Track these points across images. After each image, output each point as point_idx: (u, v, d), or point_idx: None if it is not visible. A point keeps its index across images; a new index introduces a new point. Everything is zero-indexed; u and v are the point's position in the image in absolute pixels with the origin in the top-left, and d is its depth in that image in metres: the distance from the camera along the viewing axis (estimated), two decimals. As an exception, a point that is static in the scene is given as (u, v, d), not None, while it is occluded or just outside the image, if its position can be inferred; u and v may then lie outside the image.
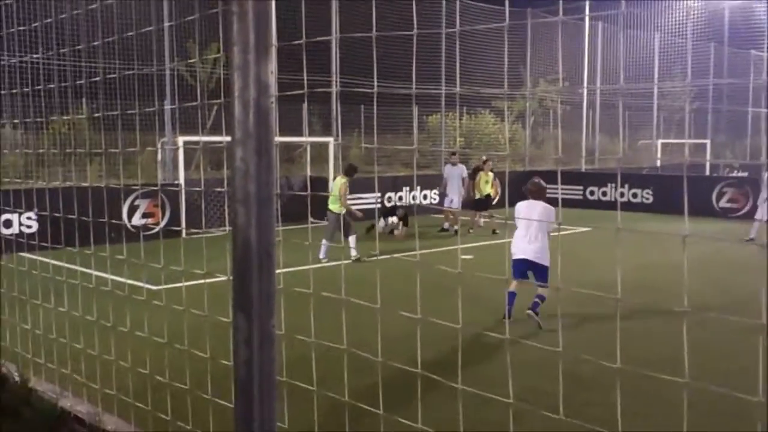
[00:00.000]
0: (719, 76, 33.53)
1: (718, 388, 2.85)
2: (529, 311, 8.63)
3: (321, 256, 13.43)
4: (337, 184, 13.93)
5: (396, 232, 17.04)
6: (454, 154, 18.63)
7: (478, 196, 18.69)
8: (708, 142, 32.95)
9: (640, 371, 3.48)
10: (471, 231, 18.30)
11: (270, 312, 2.71)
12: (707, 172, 28.39)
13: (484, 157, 19.32)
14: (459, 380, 3.07)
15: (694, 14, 33.13)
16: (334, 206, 13.66)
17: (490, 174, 18.98)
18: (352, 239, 13.51)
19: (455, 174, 18.12)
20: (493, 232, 17.87)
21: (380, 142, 23.74)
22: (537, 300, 8.68)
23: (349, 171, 14.17)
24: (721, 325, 8.46)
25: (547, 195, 9.20)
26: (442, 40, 23.69)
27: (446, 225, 18.70)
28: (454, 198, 18.05)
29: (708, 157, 32.08)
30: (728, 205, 21.22)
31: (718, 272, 12.13)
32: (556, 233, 10.16)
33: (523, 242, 8.71)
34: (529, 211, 8.85)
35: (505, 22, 3.04)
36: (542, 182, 9.11)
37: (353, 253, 13.38)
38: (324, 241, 13.58)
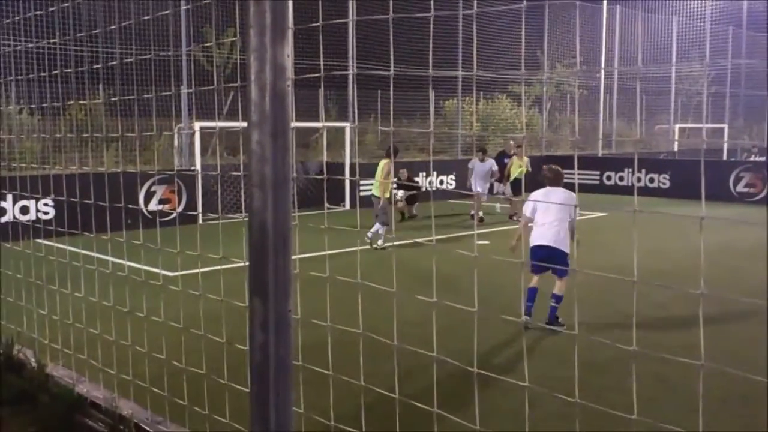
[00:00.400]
0: (737, 60, 33.14)
1: (734, 370, 2.81)
2: (548, 325, 7.98)
3: (379, 242, 13.17)
4: (380, 166, 13.85)
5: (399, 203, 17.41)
6: (482, 150, 17.89)
7: (514, 177, 17.86)
8: (725, 126, 32.64)
9: (654, 354, 3.45)
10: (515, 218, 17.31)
11: (286, 296, 2.70)
12: (725, 157, 28.16)
13: (511, 142, 18.93)
14: (474, 365, 3.05)
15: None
16: (377, 191, 13.67)
17: (525, 159, 18.23)
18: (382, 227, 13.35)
19: (483, 170, 17.31)
20: (510, 217, 17.60)
21: (396, 128, 23.66)
22: (553, 304, 8.06)
23: (391, 152, 13.58)
24: (737, 311, 8.40)
25: (565, 179, 8.66)
26: (459, 24, 23.55)
27: (479, 213, 17.75)
28: (479, 189, 17.17)
29: (725, 141, 31.76)
30: (745, 189, 21.04)
31: (735, 259, 12.02)
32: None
33: (541, 229, 8.05)
34: (547, 198, 8.25)
35: (522, 3, 3.00)
36: (559, 168, 8.51)
37: (379, 241, 13.22)
38: (378, 227, 13.29)
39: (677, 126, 32.55)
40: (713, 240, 13.10)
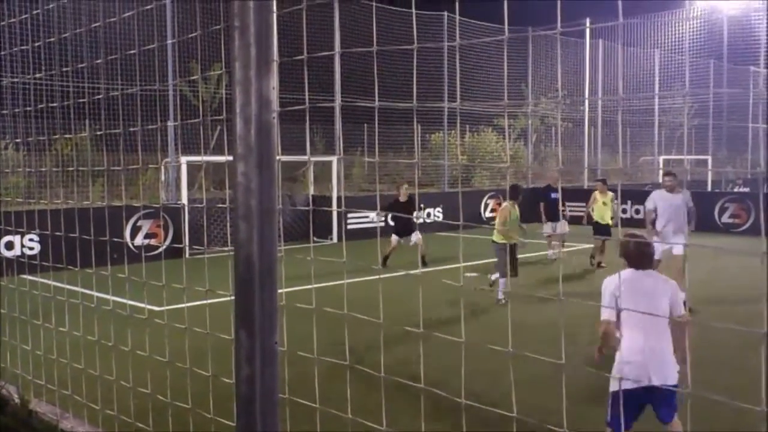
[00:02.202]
0: (719, 90, 33.63)
1: (723, 398, 2.81)
2: None
3: (499, 296, 11.29)
4: (500, 211, 11.62)
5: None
6: (669, 175, 11.53)
7: (595, 220, 14.82)
8: (709, 158, 32.98)
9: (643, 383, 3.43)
10: (602, 264, 14.52)
11: (272, 328, 2.69)
12: (709, 188, 28.44)
13: (557, 174, 16.59)
14: (462, 395, 3.03)
15: (692, 31, 33.22)
16: (497, 237, 11.35)
17: (609, 194, 14.71)
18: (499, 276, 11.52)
19: (674, 203, 10.94)
20: (599, 265, 14.53)
21: (382, 160, 23.75)
22: None
23: (514, 193, 11.87)
24: (725, 338, 8.41)
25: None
26: (444, 57, 23.79)
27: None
28: (679, 238, 10.59)
29: (709, 173, 32.08)
30: (730, 220, 21.18)
31: (720, 288, 12.07)
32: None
33: (641, 353, 4.82)
34: (636, 290, 5.04)
35: (504, 36, 3.04)
36: (645, 237, 5.47)
37: (500, 294, 11.36)
38: (498, 277, 11.51)
39: (661, 158, 32.88)
40: (699, 269, 13.14)
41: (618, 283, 5.00)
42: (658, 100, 33.49)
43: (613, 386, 4.85)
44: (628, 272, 5.07)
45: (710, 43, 33.41)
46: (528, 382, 6.50)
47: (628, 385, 4.66)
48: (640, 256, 5.09)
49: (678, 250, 10.42)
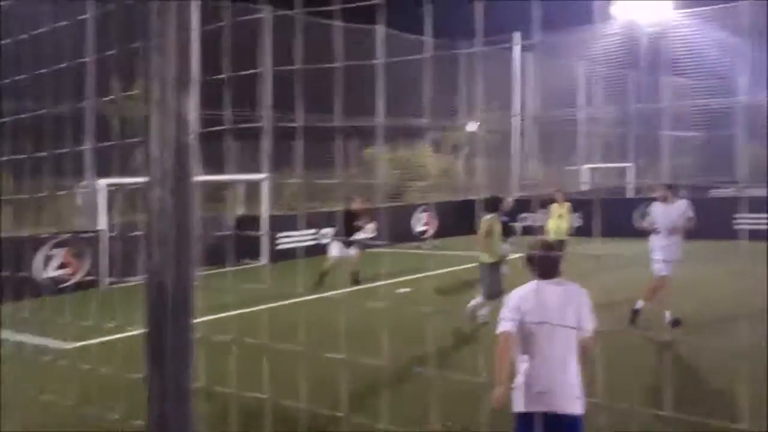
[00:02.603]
0: (639, 102, 34.71)
1: (693, 417, 2.76)
2: None
3: (483, 312, 10.61)
4: (482, 225, 10.76)
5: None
6: (670, 186, 11.17)
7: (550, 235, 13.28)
8: (631, 165, 33.93)
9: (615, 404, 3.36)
10: None
11: (186, 362, 2.50)
12: (630, 195, 29.33)
13: (509, 199, 15.19)
14: (386, 421, 2.90)
15: (614, 45, 34.15)
16: (484, 256, 10.69)
17: (566, 205, 13.88)
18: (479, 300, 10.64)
19: (670, 216, 10.67)
20: None
21: (314, 178, 23.57)
22: None
23: (491, 204, 11.11)
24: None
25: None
26: (375, 73, 23.76)
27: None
28: (671, 255, 10.49)
29: (631, 179, 33.08)
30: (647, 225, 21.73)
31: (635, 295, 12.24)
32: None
33: (542, 377, 4.36)
34: (555, 311, 4.45)
35: (433, 54, 2.97)
36: (553, 243, 5.47)
37: (483, 314, 10.53)
38: (479, 299, 10.72)
39: (586, 166, 33.67)
40: (615, 276, 13.19)
41: (522, 296, 4.60)
42: (583, 110, 34.42)
43: (515, 406, 4.43)
44: (533, 284, 4.62)
45: (631, 55, 34.48)
46: (457, 400, 6.42)
47: (530, 407, 4.26)
48: (545, 264, 4.61)
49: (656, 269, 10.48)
